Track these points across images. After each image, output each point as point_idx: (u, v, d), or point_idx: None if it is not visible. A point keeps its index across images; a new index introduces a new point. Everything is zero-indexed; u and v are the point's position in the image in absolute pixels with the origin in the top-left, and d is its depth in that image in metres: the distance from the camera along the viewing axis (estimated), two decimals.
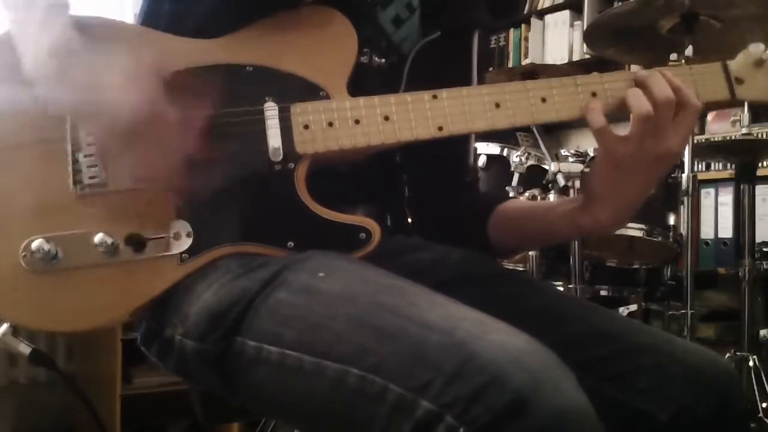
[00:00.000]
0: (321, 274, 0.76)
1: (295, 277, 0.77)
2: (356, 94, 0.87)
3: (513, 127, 0.89)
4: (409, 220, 1.10)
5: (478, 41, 1.07)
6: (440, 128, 0.87)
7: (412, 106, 0.86)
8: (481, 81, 1.11)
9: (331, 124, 0.85)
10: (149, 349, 0.88)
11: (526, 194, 2.20)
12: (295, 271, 0.77)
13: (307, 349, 0.71)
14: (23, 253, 0.80)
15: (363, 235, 0.84)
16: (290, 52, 0.88)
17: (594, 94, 0.90)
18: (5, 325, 0.81)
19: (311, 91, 0.87)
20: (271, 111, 0.85)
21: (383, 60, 0.99)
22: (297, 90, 0.86)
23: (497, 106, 0.88)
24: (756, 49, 0.96)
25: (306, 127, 0.85)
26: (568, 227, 0.96)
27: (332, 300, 0.73)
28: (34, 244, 0.79)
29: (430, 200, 1.07)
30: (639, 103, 0.85)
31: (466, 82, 1.04)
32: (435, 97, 0.87)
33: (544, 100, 0.89)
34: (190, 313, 0.80)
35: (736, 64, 0.95)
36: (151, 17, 0.94)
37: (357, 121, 0.85)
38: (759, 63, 0.96)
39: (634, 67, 3.49)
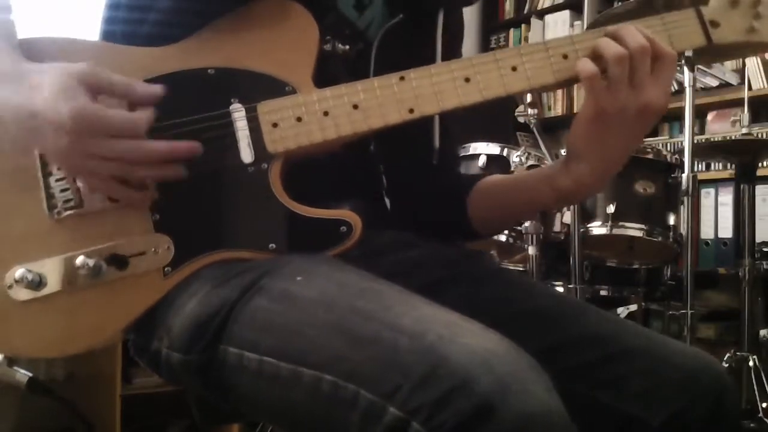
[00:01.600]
0: (299, 278, 0.75)
1: (273, 284, 0.76)
2: (323, 84, 0.85)
3: (485, 100, 0.86)
4: (389, 207, 1.08)
5: (443, 20, 1.04)
6: (411, 110, 0.84)
7: (380, 92, 0.84)
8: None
9: (299, 119, 0.83)
10: (141, 360, 0.88)
11: None
12: (273, 277, 0.77)
13: (283, 356, 0.71)
14: (8, 284, 0.79)
15: (344, 228, 0.83)
16: (250, 49, 0.86)
17: (565, 56, 0.87)
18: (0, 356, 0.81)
19: (277, 88, 0.84)
20: (237, 113, 0.83)
21: (347, 47, 0.96)
22: (262, 88, 0.84)
23: (467, 80, 0.85)
24: None
25: (275, 125, 0.83)
26: (548, 191, 0.94)
27: (308, 305, 0.73)
28: (18, 274, 0.79)
29: (408, 186, 1.05)
30: (611, 46, 0.84)
31: (433, 62, 1.02)
32: (402, 78, 0.85)
33: (514, 68, 0.86)
34: (174, 325, 0.79)
35: (710, 8, 0.92)
36: (108, 26, 0.92)
37: (326, 113, 0.83)
38: (734, 3, 0.92)
39: None
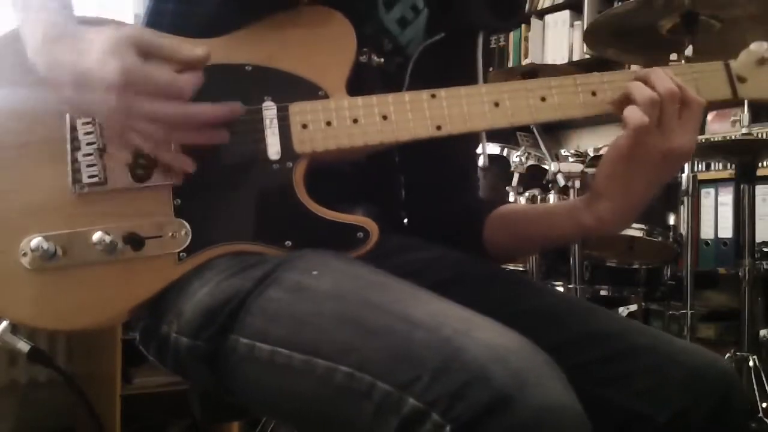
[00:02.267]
0: (314, 272, 0.76)
1: (287, 275, 0.77)
2: (356, 94, 0.87)
3: (512, 126, 0.89)
4: (405, 221, 1.09)
5: (482, 42, 1.07)
6: (438, 128, 0.87)
7: (410, 106, 0.86)
8: (485, 81, 1.11)
9: (329, 124, 0.85)
10: (148, 348, 0.89)
11: (526, 194, 2.20)
12: (287, 270, 0.78)
13: (296, 346, 0.72)
14: (23, 251, 0.80)
15: (361, 234, 0.84)
16: (289, 51, 0.88)
17: (594, 93, 0.90)
18: (4, 323, 0.82)
19: (310, 91, 0.87)
20: (269, 110, 0.85)
21: (382, 60, 0.99)
22: (295, 89, 0.86)
23: (496, 105, 0.88)
24: (759, 47, 0.95)
25: (304, 126, 0.85)
26: (571, 227, 0.96)
27: (321, 297, 0.73)
28: (33, 243, 0.80)
29: (425, 202, 1.07)
30: (642, 90, 0.86)
31: (470, 83, 1.04)
32: (433, 96, 0.87)
33: (543, 99, 0.89)
34: (185, 311, 0.80)
35: (738, 63, 0.95)
36: (155, 18, 0.94)
37: (355, 121, 0.85)
38: (762, 61, 0.95)
39: (634, 67, 3.49)
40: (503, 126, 0.89)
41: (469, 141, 1.14)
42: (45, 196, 0.83)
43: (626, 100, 0.87)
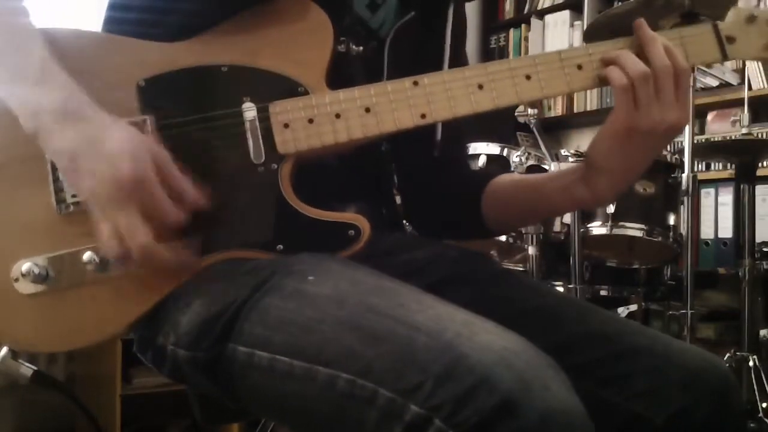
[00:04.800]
0: (311, 278, 0.75)
1: (284, 282, 0.76)
2: (337, 85, 0.85)
3: (497, 108, 0.86)
4: (400, 204, 1.08)
5: (453, 16, 1.05)
6: (423, 116, 0.85)
7: (393, 96, 0.84)
8: (463, 55, 1.10)
9: (311, 121, 0.83)
10: (145, 356, 0.88)
11: None
12: (284, 275, 0.77)
13: (296, 354, 0.71)
14: (14, 277, 0.79)
15: (352, 232, 0.83)
16: (265, 48, 0.85)
17: (580, 67, 0.88)
18: (4, 349, 0.81)
19: (289, 88, 0.84)
20: (249, 112, 0.83)
21: (361, 48, 0.97)
22: (275, 87, 0.84)
23: (480, 87, 0.86)
24: (747, 4, 0.94)
25: (286, 125, 0.83)
26: (563, 198, 0.95)
27: (321, 303, 0.72)
28: (24, 267, 0.79)
29: (420, 184, 1.05)
30: (634, 63, 0.85)
31: (442, 57, 1.02)
32: (416, 83, 0.85)
33: (528, 77, 0.87)
34: (181, 323, 0.79)
35: (727, 24, 0.93)
36: (120, 22, 0.91)
37: (338, 116, 0.83)
38: (750, 19, 0.93)
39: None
40: (489, 108, 0.86)
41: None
42: (31, 217, 0.81)
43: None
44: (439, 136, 1.04)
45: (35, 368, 0.84)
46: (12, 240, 0.81)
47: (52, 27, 0.84)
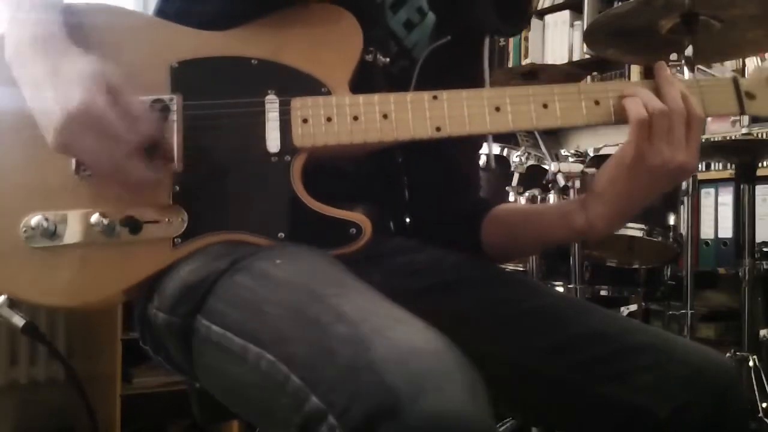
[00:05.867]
0: (278, 261, 0.77)
1: (257, 263, 0.78)
2: (360, 92, 0.88)
3: (512, 131, 0.89)
4: (408, 220, 1.10)
5: (489, 45, 1.07)
6: (438, 129, 0.87)
7: (411, 106, 0.87)
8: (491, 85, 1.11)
9: (329, 120, 0.86)
10: (143, 338, 0.90)
11: (526, 194, 2.20)
12: (260, 258, 0.78)
13: (239, 331, 0.72)
14: (23, 229, 0.83)
15: (353, 230, 0.85)
16: (295, 46, 0.90)
17: (597, 102, 0.90)
18: (2, 297, 0.83)
19: (313, 86, 0.88)
20: (271, 104, 0.86)
21: (388, 60, 0.99)
22: (299, 84, 0.88)
23: (497, 109, 0.88)
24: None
25: (305, 121, 0.86)
26: (562, 228, 0.95)
27: (275, 285, 0.74)
28: (34, 221, 0.82)
29: (428, 202, 1.07)
30: (652, 99, 0.86)
31: (477, 86, 1.04)
32: (435, 97, 0.88)
33: (545, 106, 0.89)
34: (168, 287, 0.82)
35: (748, 81, 0.95)
36: (163, 11, 0.96)
37: (355, 118, 0.86)
38: None
39: (634, 68, 3.48)
40: (503, 131, 0.89)
41: (473, 142, 1.14)
42: (48, 177, 0.85)
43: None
44: (464, 166, 1.07)
45: (28, 319, 0.86)
46: (28, 195, 0.84)
47: (88, 3, 0.88)
